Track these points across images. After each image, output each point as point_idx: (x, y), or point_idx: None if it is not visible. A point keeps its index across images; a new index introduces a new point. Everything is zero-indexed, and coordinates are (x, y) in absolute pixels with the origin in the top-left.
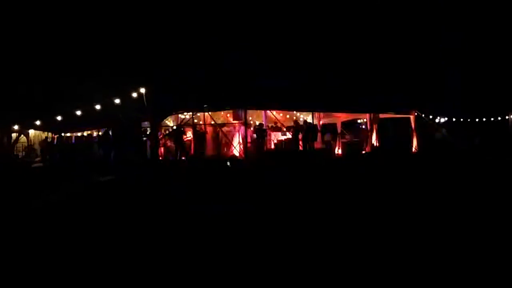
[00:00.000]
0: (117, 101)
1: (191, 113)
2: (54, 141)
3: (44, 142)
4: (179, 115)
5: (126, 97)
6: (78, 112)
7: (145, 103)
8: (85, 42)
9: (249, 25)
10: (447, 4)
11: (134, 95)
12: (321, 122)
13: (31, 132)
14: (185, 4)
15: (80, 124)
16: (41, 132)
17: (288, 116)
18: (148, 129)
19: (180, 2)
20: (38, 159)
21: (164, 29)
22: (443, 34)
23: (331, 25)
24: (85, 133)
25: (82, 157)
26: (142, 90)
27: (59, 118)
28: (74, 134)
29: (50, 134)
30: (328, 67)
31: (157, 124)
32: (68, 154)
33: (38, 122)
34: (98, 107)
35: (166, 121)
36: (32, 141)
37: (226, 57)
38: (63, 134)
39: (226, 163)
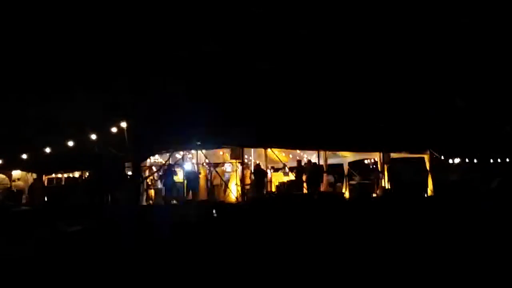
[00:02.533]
0: (93, 137)
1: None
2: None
3: (36, 183)
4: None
5: (104, 132)
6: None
7: (126, 139)
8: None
9: (247, 55)
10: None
11: (114, 130)
12: (327, 162)
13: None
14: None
15: (64, 164)
16: (24, 173)
17: (291, 156)
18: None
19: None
20: (24, 201)
21: (152, 52)
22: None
23: (338, 55)
24: (76, 174)
25: (72, 201)
26: (123, 125)
27: (47, 150)
28: (63, 175)
29: (33, 175)
30: (333, 101)
31: (139, 164)
32: (56, 197)
33: (24, 156)
34: (71, 143)
35: (155, 159)
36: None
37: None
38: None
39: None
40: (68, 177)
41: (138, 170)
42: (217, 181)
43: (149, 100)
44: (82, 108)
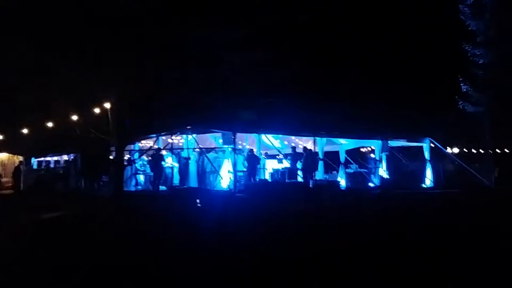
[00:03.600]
0: (75, 118)
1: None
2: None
3: (17, 168)
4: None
5: (87, 114)
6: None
7: (110, 121)
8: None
9: (245, 33)
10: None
11: (96, 110)
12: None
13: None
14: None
15: (50, 147)
16: (9, 155)
17: (286, 142)
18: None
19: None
20: (9, 185)
21: (141, 27)
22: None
23: (336, 39)
24: (65, 157)
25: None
26: (107, 105)
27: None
28: (51, 158)
29: (19, 157)
30: (330, 86)
31: (122, 148)
32: (44, 182)
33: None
34: (50, 125)
35: (144, 143)
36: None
37: (214, 71)
38: (42, 159)
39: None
40: (57, 160)
41: (121, 154)
42: (209, 167)
43: (135, 81)
44: (64, 88)
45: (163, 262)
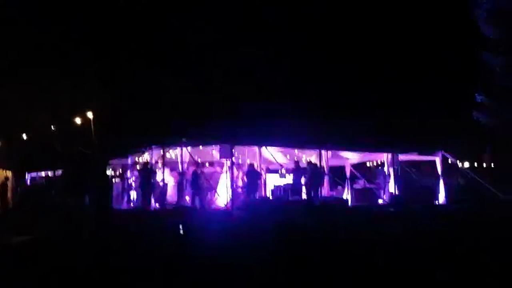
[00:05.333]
0: (56, 131)
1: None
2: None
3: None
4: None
5: (66, 124)
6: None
7: (93, 133)
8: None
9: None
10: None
11: (78, 121)
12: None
13: None
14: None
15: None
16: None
17: (288, 156)
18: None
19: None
20: None
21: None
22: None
23: (345, 46)
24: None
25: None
26: (89, 115)
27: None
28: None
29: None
30: (336, 96)
31: (105, 163)
32: (29, 199)
33: None
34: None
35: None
36: None
37: (211, 79)
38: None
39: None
40: (46, 176)
41: (104, 169)
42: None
43: (122, 88)
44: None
45: None
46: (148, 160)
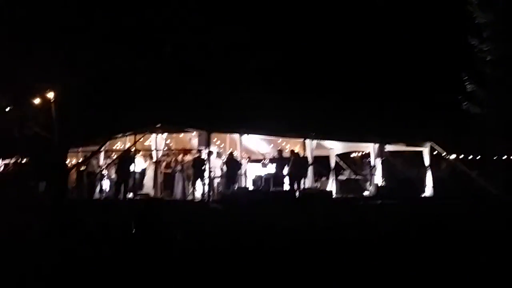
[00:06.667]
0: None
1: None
2: None
3: None
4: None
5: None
6: None
7: (53, 115)
8: None
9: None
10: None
11: (36, 101)
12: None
13: None
14: None
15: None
16: None
17: (271, 145)
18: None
19: None
20: None
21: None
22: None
23: (331, 30)
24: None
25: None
26: (50, 95)
27: None
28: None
29: None
30: (321, 83)
31: (65, 149)
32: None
33: None
34: None
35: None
36: None
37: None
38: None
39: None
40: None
41: (64, 155)
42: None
43: (89, 66)
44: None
45: None
46: (122, 148)
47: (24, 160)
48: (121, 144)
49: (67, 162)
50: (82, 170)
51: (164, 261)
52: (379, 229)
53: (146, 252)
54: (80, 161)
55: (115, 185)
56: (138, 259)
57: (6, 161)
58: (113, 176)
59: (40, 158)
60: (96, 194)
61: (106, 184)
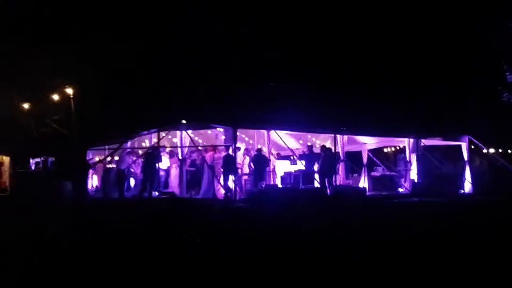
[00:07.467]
0: (26, 106)
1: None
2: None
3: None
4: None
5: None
6: None
7: (73, 112)
8: None
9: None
10: None
11: (55, 97)
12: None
13: None
14: None
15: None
16: None
17: (301, 141)
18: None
19: None
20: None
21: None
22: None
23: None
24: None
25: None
26: (69, 91)
27: None
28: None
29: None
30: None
31: (85, 147)
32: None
33: None
34: None
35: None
36: None
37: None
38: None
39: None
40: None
41: (83, 154)
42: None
43: (109, 61)
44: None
45: None
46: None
47: (51, 159)
48: (148, 141)
49: (96, 159)
50: (110, 168)
51: (180, 263)
52: (417, 229)
53: (163, 254)
54: (102, 158)
55: (141, 183)
56: (153, 260)
57: (38, 159)
58: (139, 174)
59: (63, 157)
60: (124, 193)
61: (132, 182)
